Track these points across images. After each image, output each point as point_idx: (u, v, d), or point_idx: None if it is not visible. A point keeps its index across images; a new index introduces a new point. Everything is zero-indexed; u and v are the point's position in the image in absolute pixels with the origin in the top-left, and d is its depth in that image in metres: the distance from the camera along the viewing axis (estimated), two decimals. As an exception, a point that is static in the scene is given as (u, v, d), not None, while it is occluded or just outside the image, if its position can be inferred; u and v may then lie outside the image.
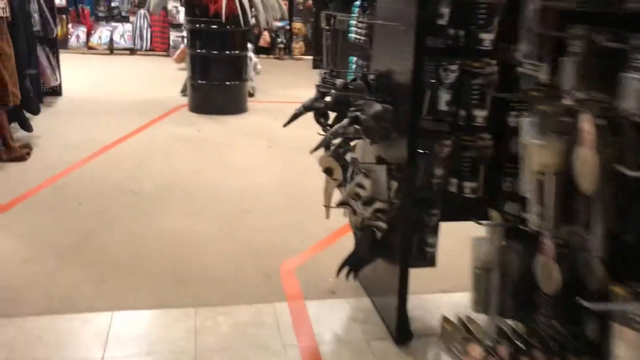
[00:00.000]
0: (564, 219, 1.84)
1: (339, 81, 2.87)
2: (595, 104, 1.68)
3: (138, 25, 12.82)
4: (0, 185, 4.50)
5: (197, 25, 7.30)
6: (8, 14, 5.08)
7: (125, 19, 12.97)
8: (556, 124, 1.82)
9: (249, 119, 7.33)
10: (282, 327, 2.76)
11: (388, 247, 2.68)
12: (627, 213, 1.72)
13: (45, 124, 6.26)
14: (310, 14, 13.91)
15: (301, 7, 14.21)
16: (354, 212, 2.58)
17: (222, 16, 7.01)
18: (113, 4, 13.06)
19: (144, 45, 12.91)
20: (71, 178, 4.75)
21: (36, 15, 6.66)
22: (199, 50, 7.35)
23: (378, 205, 2.50)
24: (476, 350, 2.12)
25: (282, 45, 13.69)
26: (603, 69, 1.71)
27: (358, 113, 2.60)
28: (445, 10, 2.45)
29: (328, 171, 2.87)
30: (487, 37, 2.42)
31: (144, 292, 3.02)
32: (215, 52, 7.31)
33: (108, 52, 12.84)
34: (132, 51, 12.94)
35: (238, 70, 7.51)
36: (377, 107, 2.58)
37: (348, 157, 2.75)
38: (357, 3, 3.42)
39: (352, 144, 2.93)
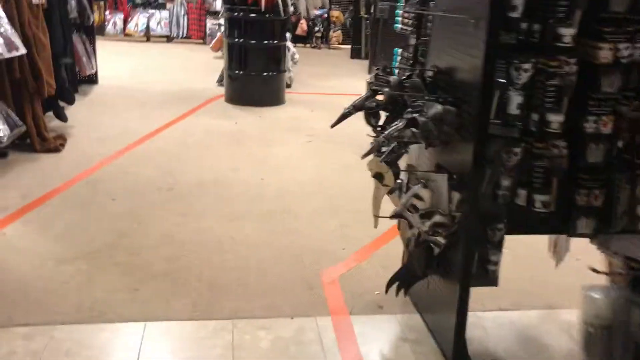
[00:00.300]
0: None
1: (393, 78, 2.62)
2: None
3: (175, 12, 12.71)
4: (33, 178, 4.37)
5: (235, 14, 7.10)
6: (44, 1, 4.94)
7: (162, 6, 12.85)
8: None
9: (287, 111, 7.11)
10: (326, 345, 2.55)
11: (446, 264, 2.43)
12: None
13: (80, 113, 6.15)
14: (349, 2, 13.58)
15: (340, -5, 13.92)
16: (410, 225, 2.33)
17: (262, 4, 6.78)
18: (150, -9, 13.00)
19: (181, 33, 12.80)
20: (105, 172, 4.60)
21: (73, 2, 6.53)
22: (236, 40, 7.15)
23: (437, 218, 2.25)
24: None
25: (319, 34, 13.40)
26: None
27: (416, 114, 2.35)
28: (519, 2, 2.17)
29: (378, 177, 2.63)
30: (567, 33, 2.14)
31: (179, 301, 2.83)
32: (253, 41, 7.10)
33: (145, 39, 12.78)
34: (168, 38, 12.85)
35: (276, 61, 7.29)
36: (438, 108, 2.33)
37: (402, 163, 2.50)
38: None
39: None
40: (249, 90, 7.20)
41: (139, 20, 12.72)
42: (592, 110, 2.21)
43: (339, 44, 13.87)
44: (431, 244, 2.34)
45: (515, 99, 2.22)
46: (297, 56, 8.56)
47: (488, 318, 2.77)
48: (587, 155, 2.27)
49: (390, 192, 2.69)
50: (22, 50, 4.50)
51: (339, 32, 13.91)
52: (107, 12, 12.51)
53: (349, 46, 12.69)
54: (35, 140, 4.92)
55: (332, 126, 2.71)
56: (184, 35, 12.83)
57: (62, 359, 2.35)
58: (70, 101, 5.93)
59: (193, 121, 6.35)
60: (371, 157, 2.60)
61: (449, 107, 2.33)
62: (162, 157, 5.01)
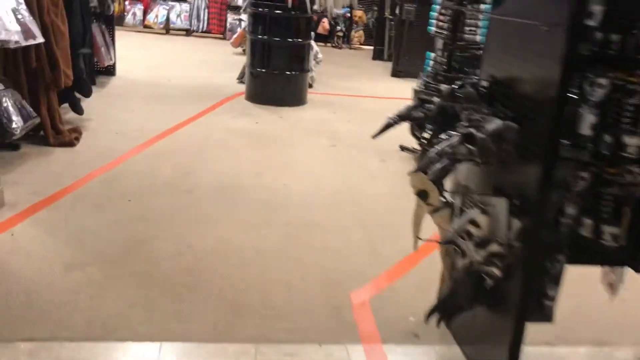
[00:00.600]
0: None
1: (444, 87, 2.38)
2: None
3: (195, 5, 12.49)
4: (45, 174, 4.15)
5: (260, 10, 6.86)
6: (64, -11, 4.74)
7: (183, -2, 12.66)
8: None
9: (309, 112, 6.87)
10: (358, 377, 2.31)
11: (498, 296, 2.18)
12: None
13: (97, 106, 5.94)
14: (372, 2, 13.32)
15: (364, -6, 13.64)
16: (463, 253, 2.09)
17: (288, 1, 6.55)
18: (172, -18, 12.78)
19: (201, 27, 12.59)
20: (121, 170, 4.39)
21: (94, -9, 6.33)
22: (260, 37, 6.92)
23: (494, 248, 2.01)
24: None
25: (340, 34, 13.15)
26: None
27: (472, 129, 2.10)
28: (597, 9, 1.93)
29: (422, 194, 2.39)
30: (653, 45, 1.89)
31: (198, 319, 2.60)
32: (277, 39, 6.86)
33: (164, 31, 12.58)
34: (188, 32, 12.65)
35: (300, 59, 7.04)
36: (498, 123, 2.09)
37: (453, 183, 2.26)
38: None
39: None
40: (270, 89, 6.97)
41: (159, 12, 12.52)
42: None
43: (361, 44, 13.63)
44: (483, 275, 2.10)
45: (588, 118, 1.98)
46: (320, 55, 8.32)
47: (533, 354, 2.52)
48: (663, 183, 2.02)
49: (433, 212, 2.46)
50: (40, 39, 4.28)
51: (361, 32, 13.65)
52: (127, 2, 12.30)
53: (371, 47, 12.44)
54: (49, 133, 4.71)
55: (374, 137, 2.48)
56: (204, 29, 12.61)
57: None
58: (87, 94, 5.71)
59: (213, 119, 6.13)
60: (413, 171, 2.37)
61: (510, 123, 2.09)
62: (180, 157, 4.78)
